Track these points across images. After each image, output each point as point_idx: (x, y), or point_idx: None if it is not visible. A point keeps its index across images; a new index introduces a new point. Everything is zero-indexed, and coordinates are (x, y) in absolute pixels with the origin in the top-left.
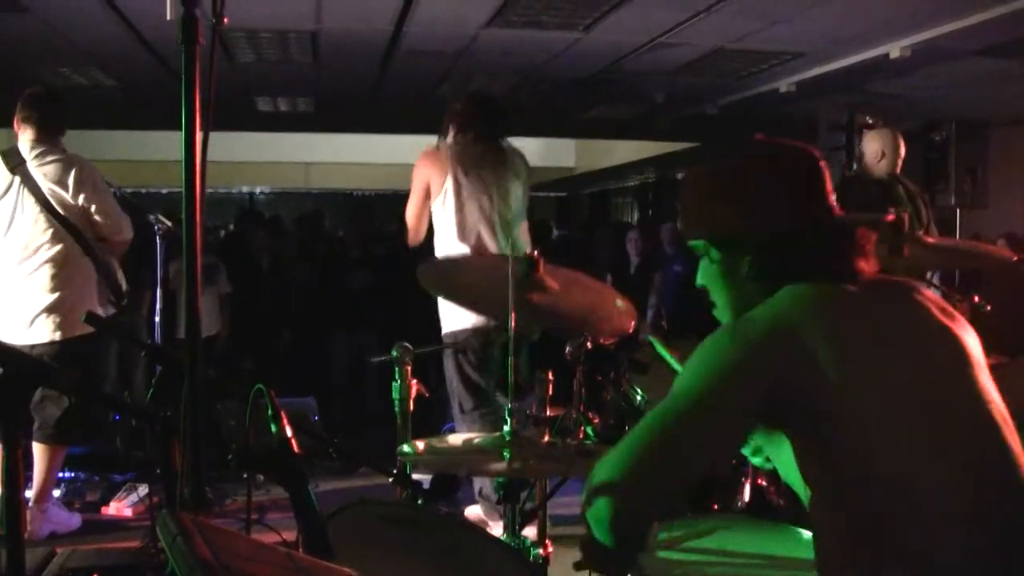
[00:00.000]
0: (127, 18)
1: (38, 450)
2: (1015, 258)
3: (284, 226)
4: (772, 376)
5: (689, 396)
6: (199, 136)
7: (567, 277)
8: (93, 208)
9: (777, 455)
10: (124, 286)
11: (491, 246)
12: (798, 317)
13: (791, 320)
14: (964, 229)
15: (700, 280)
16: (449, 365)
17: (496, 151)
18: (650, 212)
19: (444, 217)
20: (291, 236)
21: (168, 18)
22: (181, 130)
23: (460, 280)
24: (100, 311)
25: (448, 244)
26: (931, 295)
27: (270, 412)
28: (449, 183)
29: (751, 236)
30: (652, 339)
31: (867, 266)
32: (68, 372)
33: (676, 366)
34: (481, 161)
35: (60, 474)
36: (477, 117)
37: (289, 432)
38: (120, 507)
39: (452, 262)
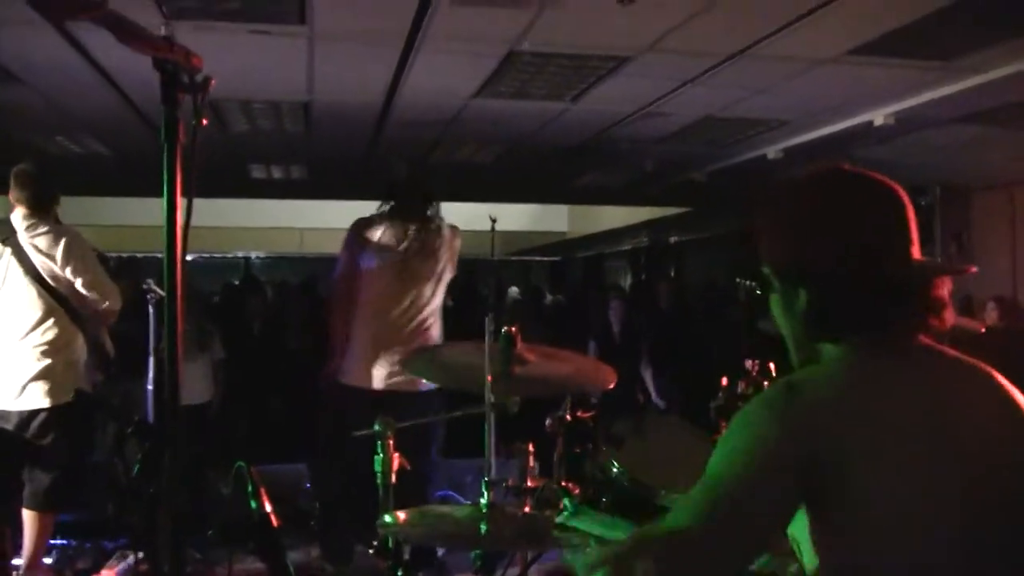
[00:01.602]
0: (122, 90)
1: (28, 517)
2: (982, 329)
3: (286, 289)
4: (806, 453)
5: (731, 465)
6: (179, 224)
7: (544, 351)
8: (79, 281)
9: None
10: (112, 354)
11: (379, 336)
12: (838, 398)
13: (830, 401)
14: (950, 293)
15: (772, 310)
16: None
17: (415, 230)
18: (643, 276)
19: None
20: (287, 300)
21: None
22: (163, 227)
23: (443, 362)
24: (89, 379)
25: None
26: (999, 378)
27: (250, 489)
28: (360, 260)
29: (806, 269)
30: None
31: (939, 323)
32: (57, 442)
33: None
34: (392, 242)
35: (51, 541)
36: (397, 194)
37: (268, 508)
38: (110, 575)
39: (435, 348)
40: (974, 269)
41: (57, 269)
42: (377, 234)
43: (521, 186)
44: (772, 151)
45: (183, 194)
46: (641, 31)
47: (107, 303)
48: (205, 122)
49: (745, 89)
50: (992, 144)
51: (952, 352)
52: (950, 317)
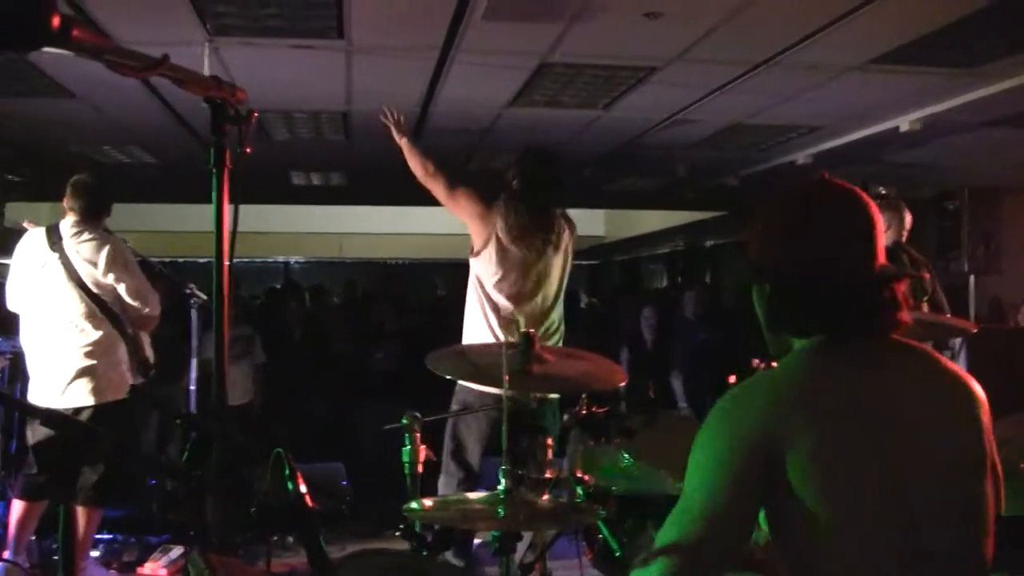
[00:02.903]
0: (168, 102)
1: (76, 513)
2: (974, 329)
3: (324, 295)
4: (765, 450)
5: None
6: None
7: (562, 350)
8: (122, 286)
9: None
10: (152, 359)
11: (508, 322)
12: (795, 397)
13: (786, 400)
14: (979, 295)
15: (754, 302)
16: (448, 428)
17: (540, 221)
18: (679, 279)
19: (482, 277)
20: (328, 306)
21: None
22: (213, 243)
23: (466, 362)
24: (130, 380)
25: (475, 315)
26: (951, 368)
27: (287, 472)
28: (492, 246)
29: (771, 267)
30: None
31: (898, 323)
32: (105, 436)
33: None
34: (523, 233)
35: (97, 536)
36: (521, 188)
37: (303, 488)
38: (155, 568)
39: (459, 349)
40: (927, 276)
41: (99, 275)
42: None
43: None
44: (801, 156)
45: (230, 201)
46: (668, 42)
47: (148, 309)
48: (248, 150)
49: (773, 97)
50: (1020, 147)
51: (917, 347)
52: (906, 318)
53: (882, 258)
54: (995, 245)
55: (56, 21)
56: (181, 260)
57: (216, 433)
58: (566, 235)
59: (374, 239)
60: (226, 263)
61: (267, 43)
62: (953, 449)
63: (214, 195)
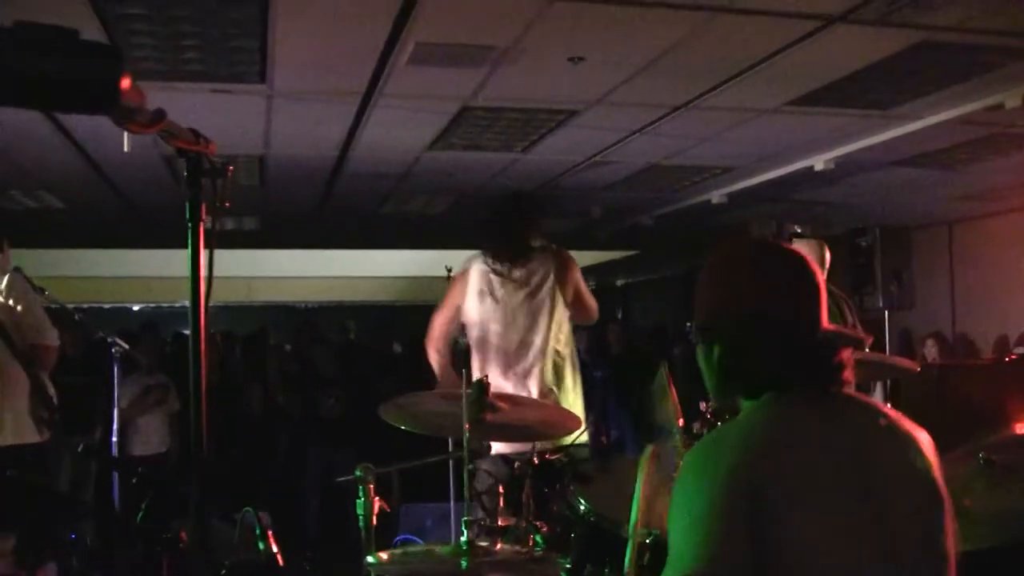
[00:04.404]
0: (83, 148)
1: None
2: (917, 368)
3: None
4: (741, 503)
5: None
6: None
7: (513, 398)
8: (20, 307)
9: None
10: (54, 399)
11: (501, 375)
12: (757, 453)
13: (758, 457)
14: (892, 330)
15: (698, 361)
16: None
17: (513, 267)
18: None
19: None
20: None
21: (125, 150)
22: (189, 300)
23: (418, 410)
24: (31, 424)
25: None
26: (894, 415)
27: (258, 531)
28: (469, 305)
29: (719, 329)
30: None
31: (841, 384)
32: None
33: None
34: (500, 280)
35: None
36: (487, 235)
37: (275, 548)
38: None
39: (410, 397)
40: (869, 340)
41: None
42: None
43: (473, 234)
44: (716, 195)
45: (205, 246)
46: (590, 86)
47: (47, 338)
48: (228, 204)
49: (689, 138)
50: (929, 185)
51: (864, 399)
52: (850, 377)
53: (826, 319)
54: (907, 280)
55: (127, 83)
56: (86, 306)
57: (192, 489)
58: (551, 268)
59: (284, 282)
60: (203, 317)
61: (187, 87)
62: (918, 492)
63: (189, 247)
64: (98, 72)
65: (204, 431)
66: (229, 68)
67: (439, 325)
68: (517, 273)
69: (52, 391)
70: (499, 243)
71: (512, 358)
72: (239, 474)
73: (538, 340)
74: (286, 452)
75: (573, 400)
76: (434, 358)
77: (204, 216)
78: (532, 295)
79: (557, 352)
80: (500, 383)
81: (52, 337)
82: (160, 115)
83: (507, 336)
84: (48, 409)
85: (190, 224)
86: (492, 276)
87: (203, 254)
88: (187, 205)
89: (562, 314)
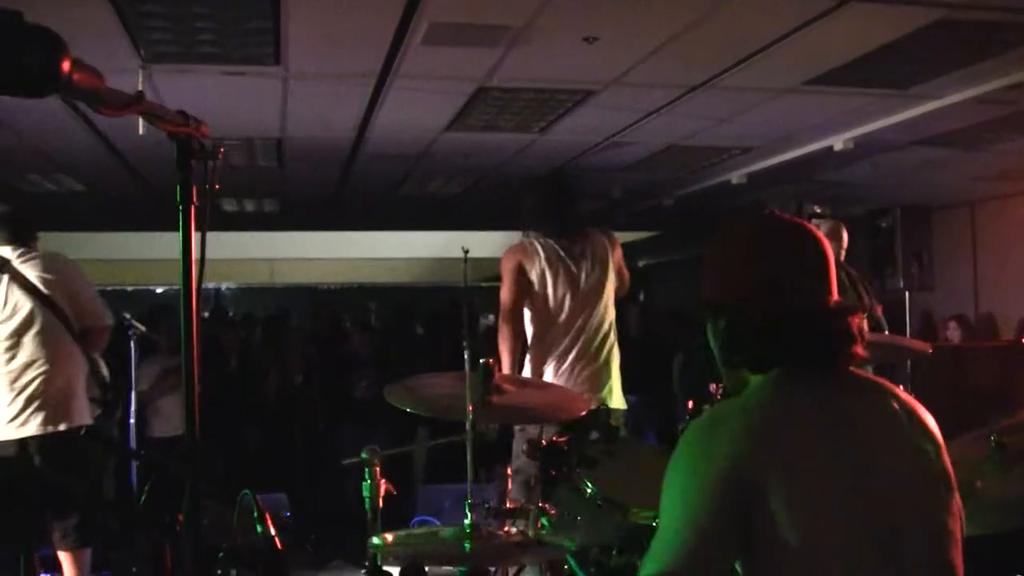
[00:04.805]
0: (100, 131)
1: (67, 559)
2: (930, 350)
3: (254, 323)
4: (735, 482)
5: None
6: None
7: (520, 380)
8: (81, 293)
9: None
10: (108, 379)
11: (577, 349)
12: (755, 430)
13: (747, 433)
14: (913, 311)
15: (708, 337)
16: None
17: (572, 243)
18: None
19: (534, 315)
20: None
21: (140, 134)
22: (181, 284)
23: (424, 393)
24: (88, 405)
25: (537, 348)
26: (904, 398)
27: (256, 514)
28: (536, 276)
29: (725, 302)
30: None
31: (853, 356)
32: (75, 486)
33: None
34: (557, 258)
35: None
36: (541, 215)
37: (273, 531)
38: None
39: (417, 379)
40: (880, 309)
41: (56, 285)
42: None
43: (491, 215)
44: (736, 176)
45: (197, 228)
46: (605, 66)
47: (104, 319)
48: (217, 187)
49: (707, 119)
50: (950, 164)
51: (872, 379)
52: (861, 352)
53: (835, 292)
54: (927, 261)
55: (67, 67)
56: (108, 288)
57: (188, 476)
58: (601, 251)
59: (305, 264)
60: (195, 302)
61: (202, 69)
62: (921, 477)
63: (180, 231)
64: (33, 57)
65: (196, 415)
66: (243, 50)
67: (514, 308)
68: (578, 249)
69: (105, 371)
70: (554, 223)
71: (591, 334)
72: (256, 456)
73: (609, 315)
74: (306, 434)
75: (616, 375)
76: (510, 342)
77: (195, 199)
78: (595, 270)
79: (611, 325)
80: (572, 358)
81: (108, 317)
82: (136, 98)
83: (581, 311)
84: (102, 388)
85: (180, 207)
86: (560, 253)
87: (195, 237)
88: (177, 188)
89: (612, 289)
